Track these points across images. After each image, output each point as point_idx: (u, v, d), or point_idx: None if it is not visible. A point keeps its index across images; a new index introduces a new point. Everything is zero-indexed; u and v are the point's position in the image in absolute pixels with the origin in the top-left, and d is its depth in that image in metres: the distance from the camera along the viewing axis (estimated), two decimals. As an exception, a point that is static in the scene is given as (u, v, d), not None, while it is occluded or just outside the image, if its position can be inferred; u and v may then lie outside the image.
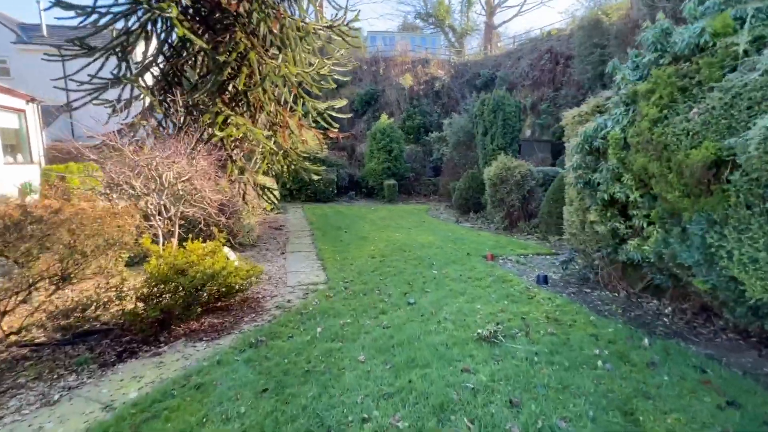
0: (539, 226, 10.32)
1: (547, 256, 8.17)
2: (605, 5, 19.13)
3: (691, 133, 3.64)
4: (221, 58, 7.40)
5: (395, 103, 24.06)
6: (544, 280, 6.32)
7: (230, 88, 8.88)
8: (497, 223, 11.20)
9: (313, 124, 10.93)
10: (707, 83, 3.73)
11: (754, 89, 3.26)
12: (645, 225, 4.58)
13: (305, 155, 10.98)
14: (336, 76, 10.43)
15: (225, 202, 7.13)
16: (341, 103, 11.58)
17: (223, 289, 4.88)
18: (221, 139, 8.25)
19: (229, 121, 7.99)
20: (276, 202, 11.93)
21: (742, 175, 3.25)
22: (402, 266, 7.12)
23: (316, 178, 10.47)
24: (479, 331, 4.16)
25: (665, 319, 4.63)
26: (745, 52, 3.56)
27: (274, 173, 11.08)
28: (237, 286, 5.04)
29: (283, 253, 8.44)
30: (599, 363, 3.58)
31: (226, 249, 6.16)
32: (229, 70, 7.92)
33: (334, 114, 10.74)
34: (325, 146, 15.50)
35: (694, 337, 4.17)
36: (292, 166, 10.31)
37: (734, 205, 3.34)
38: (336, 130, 10.86)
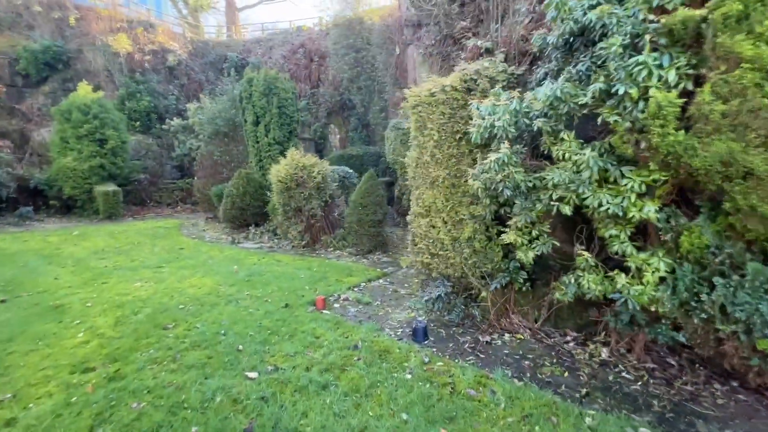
0: (347, 238, 8.22)
1: (383, 282, 6.10)
2: (358, 8, 19.22)
3: None
4: None
5: (104, 73, 16.47)
6: (423, 334, 4.11)
7: None
8: (294, 239, 8.34)
9: None
10: None
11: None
12: (648, 261, 2.92)
13: None
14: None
15: None
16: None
17: None
18: None
19: None
20: None
21: None
22: (172, 383, 3.20)
23: None
24: None
25: (658, 387, 3.20)
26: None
27: None
28: None
29: None
30: None
31: None
32: None
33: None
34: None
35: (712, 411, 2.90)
36: None
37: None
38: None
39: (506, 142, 3.31)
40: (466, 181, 4.34)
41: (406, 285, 6.02)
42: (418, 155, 4.86)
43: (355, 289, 5.71)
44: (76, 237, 9.02)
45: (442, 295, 4.43)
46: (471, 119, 4.27)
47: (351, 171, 11.01)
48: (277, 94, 10.76)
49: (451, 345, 3.97)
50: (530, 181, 3.26)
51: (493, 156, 3.26)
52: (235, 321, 4.37)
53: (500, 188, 3.44)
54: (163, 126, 15.99)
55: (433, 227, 4.77)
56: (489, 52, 5.20)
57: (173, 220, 11.90)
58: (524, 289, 4.08)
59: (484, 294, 4.28)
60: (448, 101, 4.39)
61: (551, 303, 4.06)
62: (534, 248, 3.41)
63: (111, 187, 11.77)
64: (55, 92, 15.32)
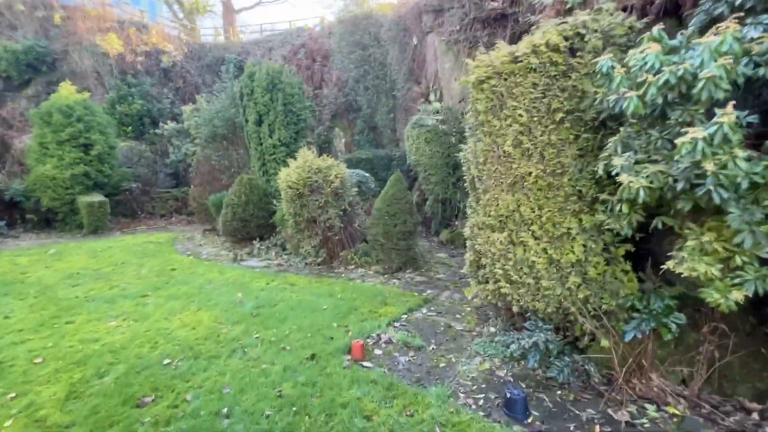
0: (370, 253, 6.85)
1: (428, 313, 4.73)
2: (364, 3, 18.02)
3: None
4: None
5: (93, 75, 15.17)
6: (523, 408, 2.74)
7: None
8: (308, 256, 6.96)
9: None
10: None
11: None
12: None
13: None
14: None
15: None
16: None
17: None
18: None
19: None
20: None
21: None
22: None
23: None
24: None
25: None
26: None
27: None
28: None
29: None
30: None
31: None
32: None
33: None
34: None
35: None
36: None
37: None
38: None
39: (728, 105, 1.89)
40: (571, 179, 3.00)
41: (458, 316, 4.66)
42: (488, 147, 3.53)
43: (397, 324, 4.34)
44: (51, 257, 7.61)
45: (540, 342, 3.06)
46: (580, 92, 2.94)
47: (367, 175, 9.69)
48: (282, 90, 9.46)
49: (571, 427, 2.60)
50: (760, 174, 1.89)
51: (698, 132, 1.89)
52: (242, 387, 2.98)
53: (699, 188, 2.05)
54: (157, 131, 14.64)
55: (514, 244, 3.41)
56: (574, 9, 3.89)
57: (167, 233, 10.50)
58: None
59: (604, 343, 2.92)
60: (543, 68, 3.07)
61: (712, 357, 2.71)
62: (739, 285, 2.05)
63: (96, 198, 10.38)
64: (38, 96, 13.96)
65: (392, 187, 6.59)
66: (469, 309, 4.90)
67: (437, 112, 9.27)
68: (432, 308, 4.93)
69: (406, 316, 4.59)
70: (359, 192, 8.46)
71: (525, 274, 3.36)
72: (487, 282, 3.86)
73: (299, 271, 6.73)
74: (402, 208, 6.48)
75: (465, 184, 4.29)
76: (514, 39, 8.41)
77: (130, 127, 14.66)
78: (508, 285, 3.51)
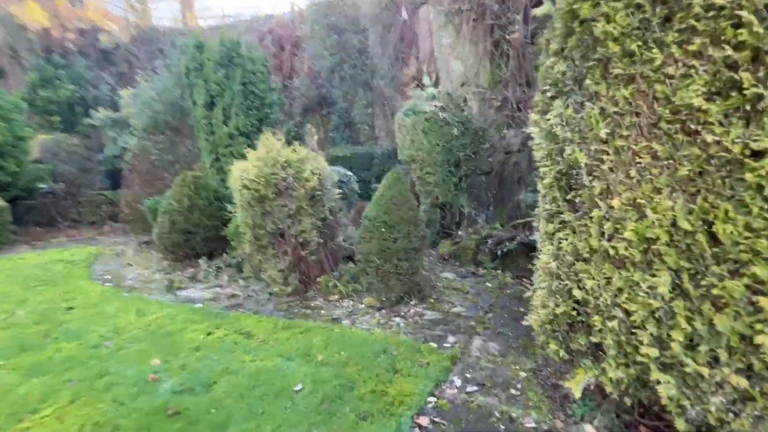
0: (360, 278, 4.97)
1: (466, 386, 2.92)
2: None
3: None
4: None
5: (7, 52, 12.31)
6: None
7: None
8: (274, 283, 4.95)
9: None
10: None
11: None
12: None
13: None
14: None
15: None
16: None
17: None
18: None
19: None
20: None
21: None
22: None
23: None
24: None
25: None
26: None
27: None
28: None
29: None
30: None
31: None
32: None
33: None
34: None
35: None
36: None
37: None
38: None
39: None
40: None
41: (513, 391, 2.87)
42: (622, 109, 1.75)
43: (425, 422, 2.49)
44: None
45: None
46: None
47: (350, 173, 7.79)
48: (242, 66, 7.40)
49: None
50: None
51: None
52: None
53: None
54: (91, 121, 12.00)
55: (690, 298, 1.65)
56: None
57: (91, 247, 8.09)
58: None
59: None
60: None
61: None
62: None
63: (-6, 202, 7.84)
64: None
65: (390, 188, 4.74)
66: (523, 374, 3.14)
67: (434, 98, 7.52)
68: (468, 375, 3.12)
69: (434, 400, 2.75)
70: (341, 195, 6.55)
71: (713, 360, 1.62)
72: (599, 358, 2.10)
73: (260, 306, 4.72)
74: (404, 216, 4.65)
75: (534, 181, 2.53)
76: (536, 7, 6.86)
77: (55, 116, 11.94)
78: (670, 380, 1.75)
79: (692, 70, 1.55)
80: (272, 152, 4.69)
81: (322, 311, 4.49)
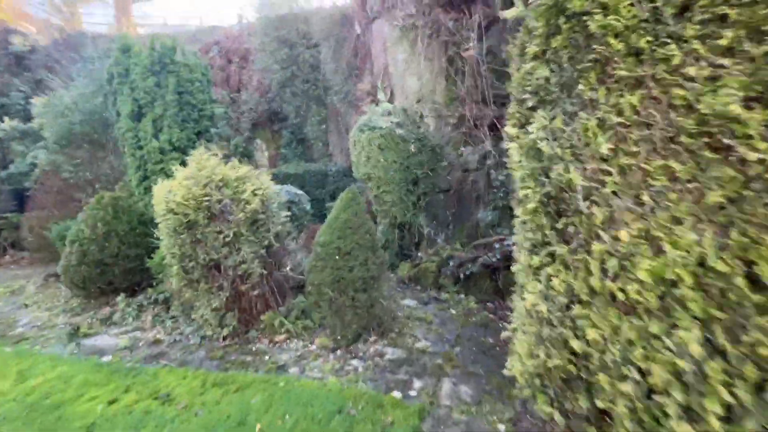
0: (312, 313, 4.33)
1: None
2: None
3: None
4: None
5: None
6: None
7: None
8: (208, 325, 4.15)
9: None
10: None
11: None
12: None
13: None
14: None
15: None
16: None
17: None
18: None
19: None
20: None
21: None
22: None
23: None
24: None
25: None
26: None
27: None
28: None
29: None
30: None
31: None
32: None
33: None
34: None
35: None
36: None
37: None
38: None
39: None
40: None
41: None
42: (628, 119, 1.40)
43: None
44: None
45: None
46: None
47: (300, 192, 7.16)
48: (176, 73, 6.60)
49: None
50: None
51: None
52: None
53: None
54: (-5, 133, 10.26)
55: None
56: None
57: (-20, 283, 6.62)
58: None
59: None
60: None
61: None
62: None
63: None
64: None
65: (345, 210, 4.22)
66: (502, 427, 2.69)
67: (390, 114, 7.19)
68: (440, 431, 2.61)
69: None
70: (292, 216, 5.90)
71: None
72: (606, 428, 1.69)
73: (189, 353, 3.91)
74: (361, 241, 4.13)
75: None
76: (489, 25, 6.81)
77: (-51, 127, 10.08)
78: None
79: (722, 71, 1.22)
80: (205, 170, 3.99)
81: (266, 357, 3.79)
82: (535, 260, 1.99)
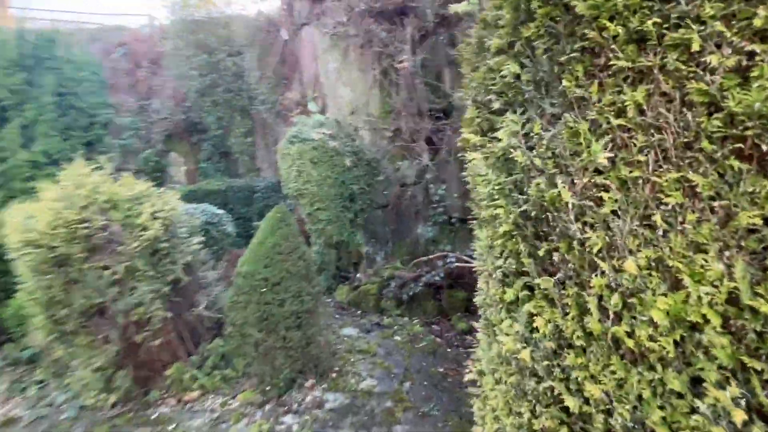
0: (233, 360, 3.56)
1: None
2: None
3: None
4: None
5: None
6: None
7: None
8: (89, 390, 3.16)
9: None
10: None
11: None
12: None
13: None
14: None
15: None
16: None
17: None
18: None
19: None
20: None
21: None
22: None
23: None
24: None
25: None
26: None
27: None
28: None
29: None
30: None
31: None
32: None
33: None
34: None
35: None
36: None
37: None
38: None
39: None
40: None
41: None
42: (630, 122, 1.09)
43: None
44: None
45: None
46: None
47: (220, 212, 6.26)
48: (58, 70, 5.39)
49: None
50: None
51: None
52: None
53: None
54: None
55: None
56: None
57: None
58: None
59: None
60: None
61: None
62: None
63: None
64: None
65: (272, 233, 3.59)
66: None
67: (322, 125, 6.69)
68: None
69: None
70: (210, 240, 5.01)
71: None
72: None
73: (57, 435, 2.89)
74: (293, 269, 3.53)
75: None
76: (423, 38, 6.71)
77: None
78: None
79: (755, 59, 0.96)
80: (82, 189, 3.07)
81: (171, 426, 2.94)
82: (509, 294, 1.63)
